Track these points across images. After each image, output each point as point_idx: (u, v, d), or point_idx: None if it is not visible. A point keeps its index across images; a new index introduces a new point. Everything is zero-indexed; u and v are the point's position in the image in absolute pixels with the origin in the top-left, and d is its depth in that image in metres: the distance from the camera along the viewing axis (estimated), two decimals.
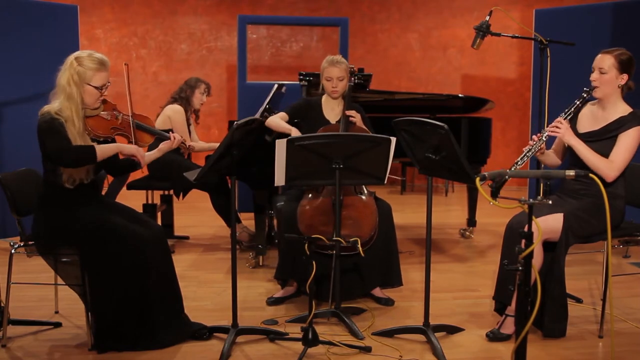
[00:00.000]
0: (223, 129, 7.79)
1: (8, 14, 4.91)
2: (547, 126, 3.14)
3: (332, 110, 3.86)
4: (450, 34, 8.27)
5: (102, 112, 3.00)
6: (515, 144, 8.36)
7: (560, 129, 3.05)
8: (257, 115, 4.43)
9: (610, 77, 3.03)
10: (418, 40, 8.32)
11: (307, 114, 3.89)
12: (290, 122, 3.87)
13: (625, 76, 3.04)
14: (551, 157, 3.30)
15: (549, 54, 4.09)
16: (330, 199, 3.46)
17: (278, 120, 3.85)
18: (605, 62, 3.04)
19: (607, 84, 3.04)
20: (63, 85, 2.87)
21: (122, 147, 2.98)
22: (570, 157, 3.20)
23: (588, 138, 3.09)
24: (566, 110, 3.14)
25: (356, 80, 3.90)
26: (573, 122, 3.19)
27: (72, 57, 2.91)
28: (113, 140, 3.05)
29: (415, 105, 5.25)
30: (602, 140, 3.05)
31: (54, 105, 2.87)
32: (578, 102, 3.13)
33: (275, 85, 4.93)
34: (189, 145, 3.40)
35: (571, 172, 2.18)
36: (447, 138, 2.73)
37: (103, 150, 2.87)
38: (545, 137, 3.10)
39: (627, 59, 3.05)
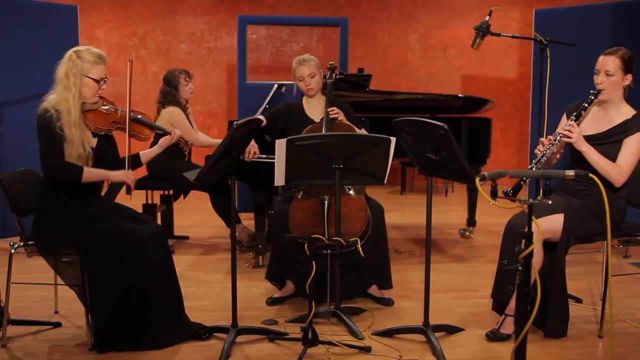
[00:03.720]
0: (223, 129, 7.79)
1: (8, 14, 4.91)
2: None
3: (314, 109, 3.86)
4: (450, 34, 8.27)
5: (102, 107, 3.02)
6: (515, 144, 8.37)
7: (573, 134, 2.98)
8: (257, 115, 4.43)
9: (617, 79, 3.00)
10: (418, 40, 8.32)
11: (289, 118, 3.88)
12: (268, 125, 3.88)
13: (629, 76, 3.03)
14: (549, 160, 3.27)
15: (548, 54, 4.09)
16: (318, 199, 3.46)
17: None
18: (610, 64, 2.99)
19: (614, 86, 3.01)
20: (60, 77, 2.89)
21: (111, 175, 2.97)
22: (572, 156, 3.18)
23: (593, 141, 3.05)
24: (575, 114, 3.06)
25: (337, 77, 3.89)
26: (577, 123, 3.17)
27: (71, 50, 2.94)
28: (110, 135, 3.06)
29: (415, 105, 5.25)
30: (608, 143, 3.03)
31: (51, 98, 2.89)
32: (586, 105, 3.06)
33: (275, 85, 4.93)
34: (188, 142, 3.39)
35: (571, 173, 2.18)
36: (447, 138, 2.72)
37: (90, 174, 2.88)
38: (558, 142, 3.02)
39: (629, 57, 3.03)
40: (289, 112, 3.92)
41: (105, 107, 3.02)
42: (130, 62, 3.10)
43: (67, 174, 2.85)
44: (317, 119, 3.82)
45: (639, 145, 2.97)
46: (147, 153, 3.21)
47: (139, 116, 3.12)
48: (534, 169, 3.00)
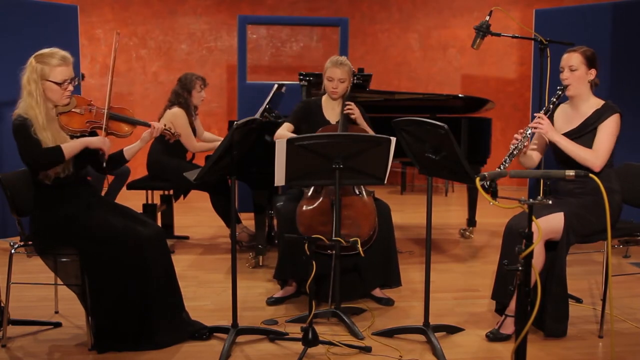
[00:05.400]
0: (223, 129, 7.78)
1: (8, 14, 4.91)
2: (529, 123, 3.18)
3: (332, 110, 3.85)
4: (450, 34, 8.27)
5: (75, 108, 3.00)
6: None
7: (543, 124, 3.08)
8: (257, 115, 4.43)
9: (581, 73, 3.10)
10: (418, 40, 8.32)
11: (307, 116, 3.88)
12: (296, 130, 3.84)
13: (593, 71, 3.12)
14: (530, 159, 3.30)
15: (548, 54, 4.10)
16: (329, 199, 3.46)
17: (286, 134, 3.80)
18: (573, 59, 3.11)
19: (578, 80, 3.10)
20: (24, 84, 2.92)
21: (89, 141, 2.94)
22: (555, 155, 3.20)
23: (569, 137, 3.11)
24: (544, 107, 3.19)
25: (355, 81, 3.89)
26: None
27: (33, 55, 2.94)
28: (92, 134, 3.03)
29: (415, 105, 5.25)
30: (583, 135, 3.09)
31: (21, 105, 2.90)
32: (554, 99, 3.18)
33: (275, 85, 4.93)
34: (175, 132, 3.34)
35: (571, 172, 2.18)
36: (447, 138, 2.73)
37: (70, 148, 2.86)
38: (529, 134, 3.12)
39: (592, 54, 3.13)
40: (306, 108, 3.90)
41: (79, 109, 3.01)
42: (118, 34, 3.08)
43: (49, 159, 2.83)
44: (333, 120, 3.81)
45: (612, 128, 3.04)
46: (130, 149, 3.19)
47: (117, 113, 3.09)
48: (507, 162, 3.10)
